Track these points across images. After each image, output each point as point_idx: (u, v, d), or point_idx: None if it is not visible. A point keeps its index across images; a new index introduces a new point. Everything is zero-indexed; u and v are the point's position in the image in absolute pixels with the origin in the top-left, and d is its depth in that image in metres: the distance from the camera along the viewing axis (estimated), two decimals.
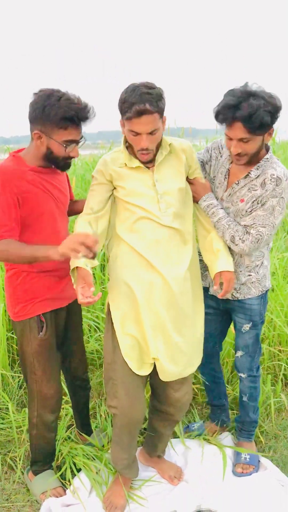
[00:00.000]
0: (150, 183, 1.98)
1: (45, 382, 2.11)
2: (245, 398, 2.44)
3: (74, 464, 2.36)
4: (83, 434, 2.54)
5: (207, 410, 2.82)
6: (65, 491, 2.24)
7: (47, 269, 2.02)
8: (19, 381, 2.91)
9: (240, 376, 2.43)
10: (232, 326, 2.51)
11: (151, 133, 1.86)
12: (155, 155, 1.97)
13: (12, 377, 2.91)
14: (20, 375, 2.90)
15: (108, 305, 2.06)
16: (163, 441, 2.34)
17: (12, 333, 3.01)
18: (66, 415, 2.66)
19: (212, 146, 2.23)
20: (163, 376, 2.03)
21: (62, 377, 2.53)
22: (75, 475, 2.30)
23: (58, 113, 1.80)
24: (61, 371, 2.32)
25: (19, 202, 1.87)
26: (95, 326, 3.27)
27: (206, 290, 2.35)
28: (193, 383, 2.91)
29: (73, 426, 2.61)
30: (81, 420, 2.54)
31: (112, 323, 2.03)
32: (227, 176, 2.16)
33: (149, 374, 2.07)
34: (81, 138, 1.93)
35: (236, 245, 2.09)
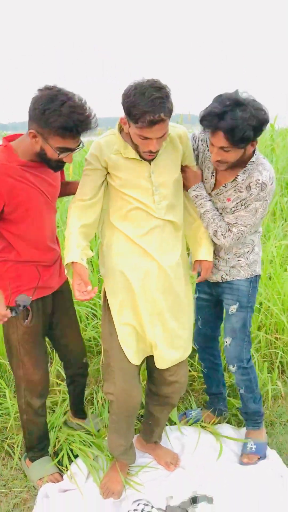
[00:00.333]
0: (146, 175, 1.95)
1: (32, 369, 2.12)
2: (242, 391, 2.42)
3: (71, 450, 2.37)
4: (77, 418, 2.56)
5: (204, 397, 2.83)
6: (62, 476, 2.27)
7: (33, 260, 2.01)
8: None
9: (231, 369, 2.39)
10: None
11: (161, 137, 1.82)
12: None
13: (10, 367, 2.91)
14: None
15: (105, 292, 2.06)
16: (159, 426, 2.35)
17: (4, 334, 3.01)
18: (63, 401, 2.67)
19: (199, 137, 2.16)
20: (162, 364, 2.04)
21: (57, 366, 2.54)
22: (72, 461, 2.32)
23: (58, 121, 1.71)
24: (56, 360, 2.32)
25: (4, 197, 1.84)
26: (92, 313, 3.28)
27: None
28: (191, 370, 2.93)
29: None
30: (76, 405, 2.56)
31: (109, 310, 2.03)
32: (214, 174, 2.14)
33: (146, 358, 2.09)
34: (78, 145, 1.86)
35: (218, 239, 2.14)
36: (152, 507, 2.09)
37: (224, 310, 2.39)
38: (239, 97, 1.86)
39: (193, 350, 2.70)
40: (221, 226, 2.11)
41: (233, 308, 2.30)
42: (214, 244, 2.22)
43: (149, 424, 2.35)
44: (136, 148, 1.88)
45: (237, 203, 2.10)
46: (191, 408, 2.77)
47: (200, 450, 2.43)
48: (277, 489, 2.17)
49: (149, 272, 1.97)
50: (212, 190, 2.15)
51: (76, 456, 2.35)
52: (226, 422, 2.68)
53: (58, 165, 1.91)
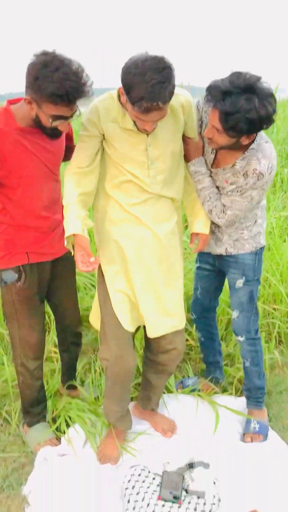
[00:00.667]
0: (142, 147, 1.88)
1: (26, 330, 2.12)
2: (247, 364, 2.41)
3: (70, 417, 2.39)
4: (70, 389, 2.57)
5: (201, 365, 2.85)
6: (59, 441, 2.29)
7: (29, 225, 1.99)
8: None
9: (239, 340, 2.39)
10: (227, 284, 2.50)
11: (158, 119, 1.75)
12: None
13: (7, 334, 2.91)
14: None
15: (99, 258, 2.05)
16: (156, 394, 2.36)
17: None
18: (60, 368, 2.68)
19: (203, 108, 2.04)
20: (154, 332, 2.05)
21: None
22: (70, 427, 2.34)
23: (49, 88, 1.64)
24: (54, 329, 2.32)
25: None
26: (91, 283, 3.27)
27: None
28: (187, 339, 2.94)
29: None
30: (67, 376, 2.57)
31: (103, 277, 2.03)
32: (214, 151, 2.05)
33: (143, 327, 2.09)
34: (73, 113, 1.78)
35: (213, 218, 2.11)
36: (149, 472, 2.11)
37: (229, 283, 2.36)
38: (255, 84, 1.70)
39: (190, 319, 2.71)
40: (216, 206, 2.07)
41: (240, 282, 2.27)
42: None
43: (146, 392, 2.36)
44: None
45: (233, 188, 2.03)
46: (188, 376, 2.78)
47: (198, 418, 2.45)
48: (275, 463, 2.19)
49: (143, 241, 1.96)
50: (211, 166, 2.08)
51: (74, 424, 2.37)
52: (223, 391, 2.70)
53: (54, 133, 1.85)
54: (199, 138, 2.06)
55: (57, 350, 2.72)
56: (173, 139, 1.93)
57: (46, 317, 2.79)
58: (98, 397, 2.54)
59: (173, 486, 2.02)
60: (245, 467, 2.15)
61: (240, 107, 1.70)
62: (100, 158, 1.94)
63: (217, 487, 2.05)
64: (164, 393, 2.60)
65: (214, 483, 2.06)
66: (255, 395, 2.45)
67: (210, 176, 2.08)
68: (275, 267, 3.23)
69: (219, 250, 2.26)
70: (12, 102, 1.88)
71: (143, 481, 2.05)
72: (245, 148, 1.94)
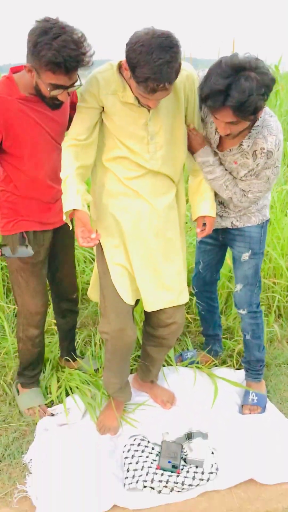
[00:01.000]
0: (143, 122, 1.83)
1: (30, 298, 2.15)
2: (248, 337, 2.42)
3: (70, 388, 2.42)
4: (70, 360, 2.59)
5: (200, 338, 2.86)
6: (47, 407, 2.35)
7: (32, 196, 1.99)
8: (14, 309, 2.93)
9: (240, 313, 2.39)
10: (228, 257, 2.50)
11: (163, 98, 1.71)
12: None
13: (8, 307, 2.92)
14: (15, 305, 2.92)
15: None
16: (156, 366, 2.38)
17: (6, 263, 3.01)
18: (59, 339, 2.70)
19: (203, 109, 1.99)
20: (151, 306, 2.05)
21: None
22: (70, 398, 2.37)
23: (47, 56, 1.60)
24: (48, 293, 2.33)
25: (1, 130, 1.79)
26: (91, 257, 3.27)
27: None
28: (187, 313, 2.95)
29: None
30: (67, 345, 2.58)
31: (102, 250, 2.02)
32: (217, 132, 1.98)
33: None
34: (74, 83, 1.73)
35: (235, 203, 2.09)
36: (148, 442, 2.14)
37: (233, 257, 2.35)
38: (240, 62, 1.66)
39: (191, 293, 2.71)
40: (235, 192, 2.04)
41: (246, 255, 2.26)
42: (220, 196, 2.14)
43: (146, 364, 2.38)
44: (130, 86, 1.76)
45: (246, 173, 2.00)
46: (187, 349, 2.80)
47: (197, 390, 2.47)
48: (273, 434, 2.22)
49: (141, 214, 1.94)
50: (217, 147, 2.03)
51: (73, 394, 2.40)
52: (222, 363, 2.72)
53: (54, 103, 1.81)
54: (201, 131, 2.02)
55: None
56: (175, 115, 1.89)
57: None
58: (98, 369, 2.56)
59: (172, 456, 2.05)
60: (243, 437, 2.18)
61: (247, 90, 1.64)
62: (98, 131, 1.90)
63: (215, 456, 2.08)
64: (163, 365, 2.62)
65: (212, 453, 2.09)
66: (254, 367, 2.47)
67: (219, 162, 2.03)
68: (276, 241, 3.22)
69: (225, 223, 2.24)
70: (14, 70, 1.85)
71: (142, 451, 2.08)
72: (250, 126, 1.89)
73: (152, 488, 1.94)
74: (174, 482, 1.95)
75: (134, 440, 2.14)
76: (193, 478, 1.97)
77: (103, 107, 1.84)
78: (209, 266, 2.49)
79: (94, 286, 2.23)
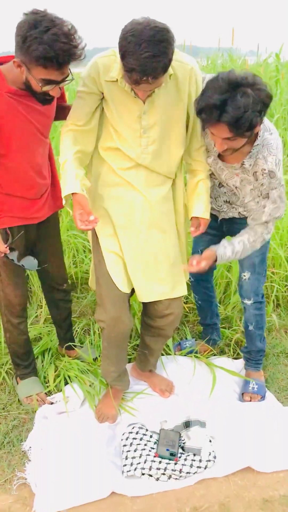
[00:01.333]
0: (137, 114, 1.81)
1: (11, 290, 2.16)
2: (251, 328, 2.42)
3: (69, 377, 2.43)
4: (69, 349, 2.60)
5: (199, 328, 2.87)
6: (46, 395, 2.37)
7: (16, 194, 1.96)
8: None
9: (245, 303, 2.38)
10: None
11: (150, 90, 1.69)
12: None
13: None
14: None
15: None
16: (154, 356, 2.39)
17: None
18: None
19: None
20: (144, 297, 2.05)
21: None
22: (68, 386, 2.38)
23: (38, 50, 1.53)
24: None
25: None
26: (89, 247, 3.27)
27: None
28: (185, 303, 2.96)
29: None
30: (64, 335, 2.59)
31: (97, 238, 2.02)
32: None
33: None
34: (65, 78, 1.68)
35: (265, 240, 2.11)
36: (147, 430, 2.16)
37: None
38: (237, 78, 1.65)
39: (187, 283, 2.71)
40: (255, 241, 2.06)
41: None
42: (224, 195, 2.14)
43: (144, 354, 2.39)
44: None
45: (251, 188, 2.01)
46: (186, 338, 2.81)
47: (195, 379, 2.49)
48: (271, 422, 2.23)
49: (134, 205, 1.94)
50: (218, 156, 2.02)
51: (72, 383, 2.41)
52: (220, 353, 2.73)
53: (45, 99, 1.75)
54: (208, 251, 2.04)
55: None
56: (173, 110, 1.85)
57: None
58: (97, 358, 2.57)
59: (170, 444, 2.06)
60: (240, 426, 2.20)
61: (244, 106, 1.64)
62: (98, 119, 1.89)
63: (213, 444, 2.09)
64: (162, 354, 2.64)
65: (210, 441, 2.10)
66: (255, 357, 2.48)
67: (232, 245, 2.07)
68: (275, 231, 3.21)
69: (232, 213, 2.24)
70: (1, 61, 1.79)
71: (141, 439, 2.09)
72: (251, 144, 1.89)
73: (150, 475, 1.96)
74: (172, 470, 1.96)
75: (133, 428, 2.15)
76: (191, 465, 1.99)
77: (102, 93, 1.82)
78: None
79: (93, 275, 2.23)
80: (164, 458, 2.01)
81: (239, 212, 2.22)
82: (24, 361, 2.38)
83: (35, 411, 2.27)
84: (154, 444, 2.10)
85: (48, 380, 2.43)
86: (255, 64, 6.75)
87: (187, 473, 1.97)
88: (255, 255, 2.26)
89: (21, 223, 2.03)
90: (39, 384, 2.39)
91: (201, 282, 2.58)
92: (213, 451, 2.05)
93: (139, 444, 2.07)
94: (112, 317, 2.01)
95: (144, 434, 2.12)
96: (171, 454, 2.02)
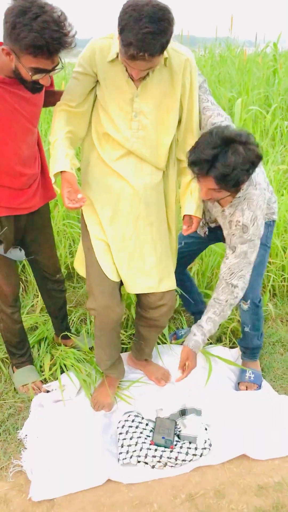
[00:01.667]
0: (130, 97, 1.80)
1: (3, 280, 2.15)
2: (247, 329, 2.41)
3: (65, 366, 2.43)
4: (65, 338, 2.60)
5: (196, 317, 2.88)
6: (42, 383, 2.37)
7: (3, 184, 1.93)
8: None
9: (242, 307, 2.35)
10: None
11: (145, 70, 1.65)
12: None
13: None
14: None
15: (82, 209, 2.04)
16: (149, 346, 2.39)
17: None
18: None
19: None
20: (131, 289, 2.05)
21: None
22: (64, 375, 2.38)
23: (27, 38, 1.49)
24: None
25: None
26: None
27: None
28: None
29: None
30: (60, 324, 2.59)
31: (86, 226, 2.01)
32: None
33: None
34: (55, 66, 1.63)
35: (235, 302, 2.09)
36: (143, 418, 2.16)
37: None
38: (230, 134, 1.71)
39: None
40: (226, 304, 2.07)
41: None
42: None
43: (139, 344, 2.39)
44: None
45: (227, 233, 2.04)
46: (182, 328, 2.81)
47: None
48: (266, 411, 2.24)
49: (121, 196, 1.92)
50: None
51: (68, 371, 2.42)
52: (217, 341, 2.74)
53: (35, 87, 1.71)
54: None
55: None
56: (166, 98, 1.83)
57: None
58: (93, 347, 2.57)
59: (166, 432, 2.07)
60: (236, 414, 2.20)
61: (233, 164, 1.69)
62: (92, 104, 1.88)
63: (209, 432, 2.10)
64: (158, 343, 2.64)
65: (206, 429, 2.11)
66: (252, 352, 2.48)
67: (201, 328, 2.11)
68: None
69: (215, 224, 2.25)
70: None
71: (137, 427, 2.10)
72: (235, 193, 1.94)
73: (146, 463, 1.97)
74: (168, 458, 1.97)
75: (129, 416, 2.16)
76: (187, 453, 2.00)
77: (97, 76, 1.80)
78: (188, 252, 2.45)
79: (79, 258, 2.22)
80: (160, 446, 2.02)
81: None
82: (19, 350, 2.38)
83: (31, 400, 2.27)
84: (150, 432, 2.10)
85: (44, 369, 2.44)
86: (253, 53, 6.72)
87: (183, 460, 1.98)
88: None
89: (9, 213, 2.00)
90: (35, 372, 2.39)
91: (176, 274, 2.56)
92: (208, 439, 2.06)
93: (135, 432, 2.07)
94: (102, 305, 2.01)
95: (140, 422, 2.13)
96: (167, 442, 2.03)
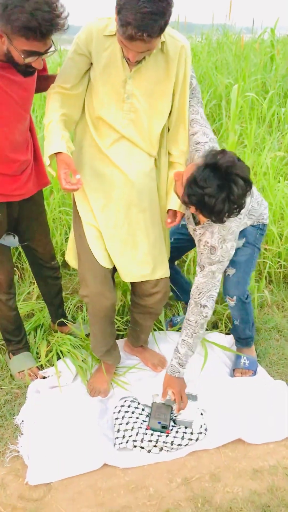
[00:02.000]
0: (123, 79, 1.78)
1: None
2: (237, 322, 2.42)
3: (62, 352, 2.44)
4: (62, 325, 2.61)
5: None
6: (38, 370, 2.38)
7: None
8: None
9: (229, 302, 2.35)
10: None
11: (143, 52, 1.62)
12: None
13: None
14: None
15: (74, 195, 2.03)
16: (144, 332, 2.40)
17: None
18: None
19: None
20: (125, 278, 2.06)
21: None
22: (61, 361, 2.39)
23: (19, 20, 1.46)
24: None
25: None
26: None
27: None
28: None
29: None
30: (56, 311, 2.60)
31: (78, 213, 2.00)
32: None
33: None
34: (48, 49, 1.60)
35: (206, 322, 2.08)
36: (139, 403, 2.17)
37: None
38: (228, 171, 1.65)
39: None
40: (197, 325, 2.05)
41: (240, 243, 2.23)
42: None
43: (135, 331, 2.40)
44: None
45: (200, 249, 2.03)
46: (178, 314, 2.82)
47: None
48: (261, 396, 2.25)
49: (113, 183, 1.91)
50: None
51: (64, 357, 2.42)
52: (213, 327, 2.74)
53: (27, 71, 1.68)
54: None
55: None
56: (159, 84, 1.82)
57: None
58: (89, 333, 2.58)
59: (162, 417, 2.08)
60: (231, 399, 2.22)
61: (220, 210, 1.67)
62: (86, 87, 1.85)
63: (204, 417, 2.11)
64: (154, 330, 2.65)
65: (202, 414, 2.12)
66: (245, 340, 2.49)
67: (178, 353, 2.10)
68: (268, 207, 3.20)
69: None
70: None
71: (133, 412, 2.11)
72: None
73: (142, 447, 1.98)
74: (164, 442, 1.98)
75: (125, 401, 2.17)
76: (182, 438, 2.01)
77: (91, 56, 1.77)
78: (178, 247, 2.44)
79: (71, 250, 2.21)
80: (156, 431, 2.03)
81: None
82: (16, 337, 2.38)
83: (28, 386, 2.28)
84: (146, 417, 2.11)
85: (40, 356, 2.44)
86: (250, 40, 6.66)
87: (179, 445, 1.99)
88: (240, 254, 2.25)
89: (1, 200, 1.99)
90: (31, 359, 2.40)
91: None
92: (204, 424, 2.07)
93: (131, 417, 2.08)
94: (94, 292, 2.01)
95: (136, 408, 2.14)
96: (163, 427, 2.04)
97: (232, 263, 2.26)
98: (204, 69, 5.15)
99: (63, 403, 2.17)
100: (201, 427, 2.06)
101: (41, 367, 2.41)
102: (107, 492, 1.83)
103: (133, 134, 1.86)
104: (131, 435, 2.00)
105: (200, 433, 2.04)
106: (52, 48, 1.62)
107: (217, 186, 1.65)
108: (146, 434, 2.01)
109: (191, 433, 2.03)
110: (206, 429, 2.06)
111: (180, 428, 2.07)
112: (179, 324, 2.68)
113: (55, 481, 1.85)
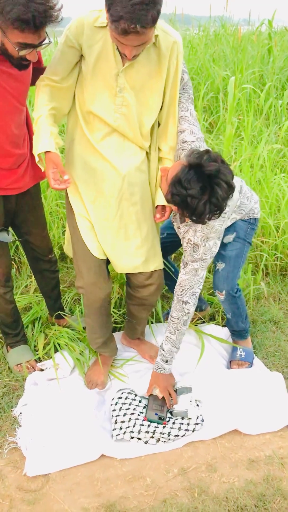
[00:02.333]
0: (114, 72, 1.76)
1: None
2: (229, 316, 2.43)
3: (59, 345, 2.45)
4: (59, 318, 2.62)
5: None
6: (36, 362, 2.39)
7: None
8: None
9: (219, 297, 2.35)
10: None
11: (139, 45, 1.60)
12: None
13: None
14: None
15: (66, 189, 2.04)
16: (141, 324, 2.42)
17: None
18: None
19: None
20: (117, 269, 2.07)
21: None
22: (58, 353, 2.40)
23: (13, 12, 1.46)
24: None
25: None
26: None
27: None
28: None
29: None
30: (53, 304, 2.60)
31: (71, 205, 2.01)
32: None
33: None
34: (42, 41, 1.59)
35: (189, 317, 2.10)
36: (136, 395, 2.19)
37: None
38: (213, 178, 1.67)
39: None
40: (179, 321, 2.07)
41: (230, 237, 2.23)
42: None
43: (132, 322, 2.42)
44: None
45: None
46: None
47: (184, 347, 2.50)
48: (258, 387, 2.27)
49: (104, 176, 1.91)
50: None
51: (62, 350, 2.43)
52: (210, 320, 2.76)
53: (22, 64, 1.68)
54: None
55: None
56: (151, 78, 1.81)
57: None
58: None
59: (159, 408, 2.10)
60: (228, 390, 2.23)
61: (201, 211, 1.69)
62: (76, 80, 1.84)
63: (201, 408, 2.13)
64: (152, 322, 2.66)
65: (198, 405, 2.14)
66: (239, 333, 2.50)
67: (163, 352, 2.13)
68: (265, 200, 3.21)
69: None
70: None
71: (130, 404, 2.13)
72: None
73: (139, 439, 2.00)
74: (161, 433, 2.00)
75: (122, 393, 2.19)
76: (179, 429, 2.03)
77: (81, 49, 1.76)
78: (170, 241, 2.43)
79: (69, 242, 2.22)
80: (153, 422, 2.05)
81: None
82: (13, 330, 2.39)
83: (25, 378, 2.29)
84: (143, 409, 2.13)
85: (38, 348, 2.45)
86: (248, 32, 6.63)
87: (176, 436, 2.01)
88: (230, 248, 2.25)
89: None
90: (29, 351, 2.41)
91: None
92: (201, 415, 2.09)
93: (128, 408, 2.10)
94: (88, 283, 2.02)
95: (133, 399, 2.16)
96: (160, 418, 2.05)
97: (222, 257, 2.27)
98: (201, 61, 5.14)
99: (61, 395, 2.18)
100: (197, 418, 2.07)
101: (38, 360, 2.42)
102: (105, 483, 1.85)
103: (125, 127, 1.86)
104: (128, 427, 2.02)
105: (197, 424, 2.05)
106: (47, 41, 1.62)
107: (200, 188, 1.66)
108: (143, 425, 2.03)
109: (188, 424, 2.05)
110: (202, 420, 2.07)
111: (176, 419, 2.08)
112: None
113: (53, 472, 1.87)
